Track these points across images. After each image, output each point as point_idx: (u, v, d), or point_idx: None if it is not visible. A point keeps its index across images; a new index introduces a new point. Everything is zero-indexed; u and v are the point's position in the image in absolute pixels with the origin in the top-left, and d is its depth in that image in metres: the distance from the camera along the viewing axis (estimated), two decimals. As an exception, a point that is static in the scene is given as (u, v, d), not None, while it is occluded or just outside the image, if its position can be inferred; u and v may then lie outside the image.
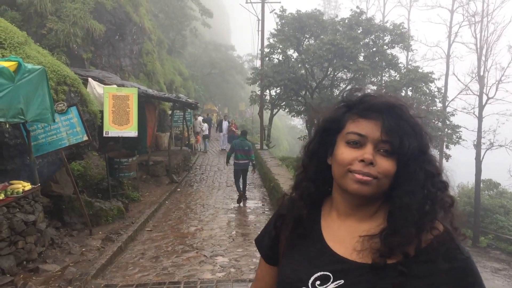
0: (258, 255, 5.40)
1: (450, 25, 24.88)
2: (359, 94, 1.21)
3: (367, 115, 1.12)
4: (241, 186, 11.31)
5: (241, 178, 11.32)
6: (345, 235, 1.16)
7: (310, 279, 1.12)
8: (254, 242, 1.40)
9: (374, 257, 1.07)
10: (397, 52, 19.96)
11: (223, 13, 72.94)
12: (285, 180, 10.22)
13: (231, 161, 11.68)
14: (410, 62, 26.25)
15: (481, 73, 22.11)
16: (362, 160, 1.08)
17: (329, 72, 19.52)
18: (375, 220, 1.14)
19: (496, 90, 21.72)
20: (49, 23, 12.80)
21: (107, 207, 8.74)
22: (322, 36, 17.86)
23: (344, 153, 1.12)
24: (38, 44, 9.74)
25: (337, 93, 20.05)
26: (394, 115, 1.10)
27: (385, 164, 1.08)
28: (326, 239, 1.18)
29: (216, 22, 49.39)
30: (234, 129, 24.04)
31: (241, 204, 11.12)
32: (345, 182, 1.11)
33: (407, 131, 1.09)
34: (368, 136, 1.10)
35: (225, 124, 23.55)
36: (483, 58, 22.11)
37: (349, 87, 19.94)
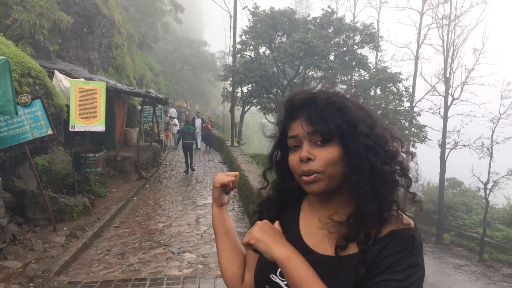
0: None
1: (420, 27, 25.42)
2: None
3: (294, 116, 1.15)
4: (188, 161, 15.42)
5: (188, 155, 15.37)
6: (316, 227, 1.17)
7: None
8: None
9: (337, 243, 1.07)
10: (367, 52, 20.29)
11: (196, 9, 72.33)
12: (254, 177, 10.22)
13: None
14: (379, 63, 26.70)
15: (447, 75, 22.70)
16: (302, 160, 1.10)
17: (300, 70, 19.65)
18: (345, 209, 1.13)
19: (461, 91, 22.35)
20: (14, 13, 12.38)
21: (72, 203, 8.55)
22: (294, 34, 17.95)
23: (291, 160, 1.14)
24: (1, 34, 9.43)
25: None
26: (312, 105, 1.11)
27: (323, 154, 1.08)
28: (301, 229, 1.20)
29: (188, 18, 48.98)
30: (210, 127, 23.55)
31: (189, 173, 15.25)
32: (302, 186, 1.13)
33: (329, 112, 1.08)
34: (299, 135, 1.12)
35: (197, 122, 22.91)
36: (449, 60, 22.71)
37: (319, 85, 20.10)
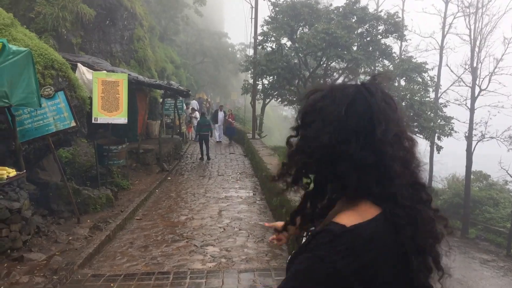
0: (250, 245, 5.31)
1: (445, 16, 24.72)
2: None
3: None
4: (204, 151, 16.70)
5: (204, 145, 16.59)
6: None
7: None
8: None
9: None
10: (391, 42, 19.83)
11: (217, 0, 72.13)
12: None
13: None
14: (403, 53, 26.11)
15: (474, 65, 22.08)
16: None
17: (322, 62, 19.33)
18: None
19: (489, 82, 21.73)
20: (37, 6, 12.46)
21: (95, 195, 8.57)
22: (316, 25, 17.63)
23: None
24: (25, 27, 9.47)
25: (331, 82, 19.79)
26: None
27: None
28: None
29: (209, 10, 48.79)
30: (231, 120, 23.26)
31: (204, 160, 16.58)
32: None
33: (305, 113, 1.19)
34: None
35: (220, 115, 22.56)
36: (476, 49, 22.06)
37: (342, 77, 19.82)
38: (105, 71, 10.96)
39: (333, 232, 1.01)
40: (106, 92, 9.95)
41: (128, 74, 11.57)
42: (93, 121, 9.88)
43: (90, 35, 15.40)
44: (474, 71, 21.92)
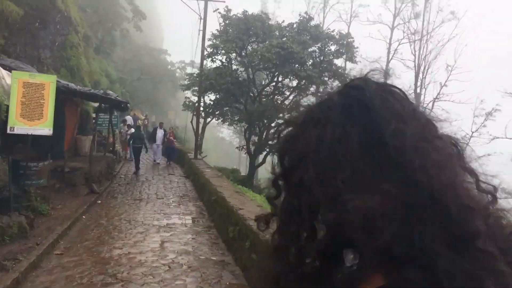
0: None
1: (390, 41, 25.10)
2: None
3: None
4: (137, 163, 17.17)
5: (137, 157, 17.07)
6: None
7: None
8: None
9: None
10: (339, 64, 19.54)
11: (156, 17, 70.68)
12: (230, 193, 8.79)
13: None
14: (348, 76, 26.19)
15: (418, 91, 22.41)
16: None
17: (275, 78, 18.53)
18: None
19: (432, 107, 22.07)
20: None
21: (4, 223, 6.81)
22: (269, 40, 16.82)
23: None
24: None
25: (281, 100, 19.10)
26: None
27: None
28: None
29: (148, 26, 47.37)
30: (172, 138, 21.34)
31: (136, 174, 16.60)
32: None
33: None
34: None
35: (160, 133, 20.16)
36: (421, 75, 22.47)
37: (292, 95, 19.10)
38: (28, 72, 9.26)
39: None
40: (28, 97, 8.23)
41: (57, 81, 9.90)
42: (8, 131, 8.10)
43: (15, 37, 13.56)
44: (417, 97, 22.19)
